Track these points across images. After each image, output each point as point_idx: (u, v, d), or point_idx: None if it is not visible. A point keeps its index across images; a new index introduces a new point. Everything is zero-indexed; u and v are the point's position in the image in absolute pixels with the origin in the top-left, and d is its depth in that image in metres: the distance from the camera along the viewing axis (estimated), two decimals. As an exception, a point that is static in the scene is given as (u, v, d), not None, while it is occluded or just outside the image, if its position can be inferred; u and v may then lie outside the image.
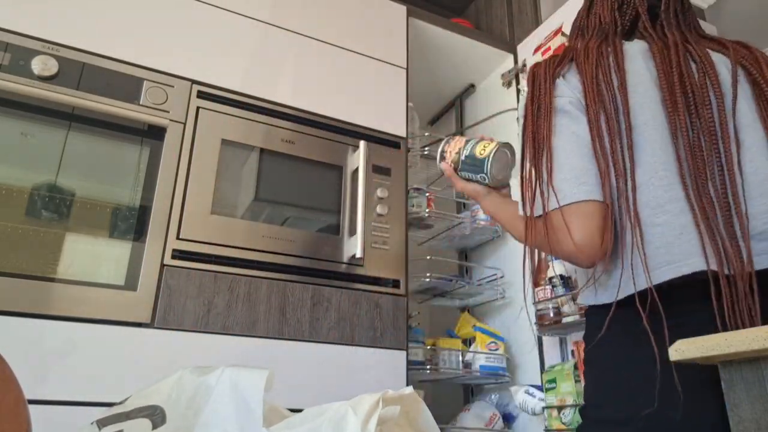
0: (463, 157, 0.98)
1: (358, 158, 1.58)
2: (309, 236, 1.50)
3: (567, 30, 1.82)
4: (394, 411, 0.50)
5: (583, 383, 1.09)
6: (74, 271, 1.21)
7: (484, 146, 0.96)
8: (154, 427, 0.53)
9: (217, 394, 0.56)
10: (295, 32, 1.69)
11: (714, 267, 0.70)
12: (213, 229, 1.38)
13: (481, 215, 1.95)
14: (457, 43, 2.12)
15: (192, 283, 1.31)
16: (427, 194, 1.93)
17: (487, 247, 2.11)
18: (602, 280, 0.78)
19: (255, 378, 0.55)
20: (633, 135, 0.77)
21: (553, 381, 1.56)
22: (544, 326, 1.65)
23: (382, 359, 1.47)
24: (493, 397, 1.89)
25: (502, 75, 2.17)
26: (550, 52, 1.81)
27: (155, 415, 0.54)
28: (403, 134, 1.75)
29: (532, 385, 1.67)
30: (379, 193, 1.62)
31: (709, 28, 2.29)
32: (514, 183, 0.89)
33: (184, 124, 1.43)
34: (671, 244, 0.72)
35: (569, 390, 1.50)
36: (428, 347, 1.77)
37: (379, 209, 1.60)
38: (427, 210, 1.89)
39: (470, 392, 2.03)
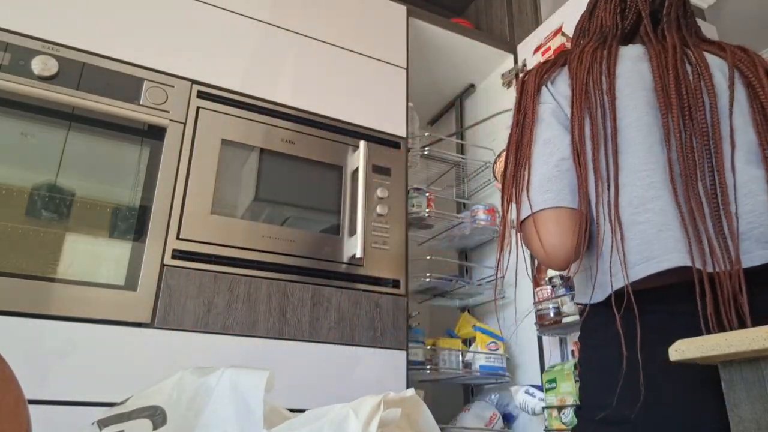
0: None
1: (358, 158, 1.59)
2: (309, 236, 1.50)
3: (567, 30, 1.82)
4: (396, 413, 0.50)
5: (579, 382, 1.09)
6: (74, 271, 1.21)
7: None
8: (155, 427, 0.53)
9: (218, 395, 0.56)
10: (295, 32, 1.69)
11: (698, 265, 0.69)
12: (213, 229, 1.38)
13: (481, 215, 1.95)
14: (457, 43, 2.12)
15: (192, 283, 1.31)
16: (427, 194, 1.93)
17: (487, 247, 2.11)
18: (598, 280, 0.77)
19: (255, 379, 0.55)
20: (618, 138, 0.78)
21: (553, 381, 1.56)
22: (544, 326, 1.65)
23: (382, 359, 1.47)
24: (493, 397, 1.90)
25: (502, 75, 2.17)
26: (550, 53, 1.81)
27: (156, 415, 0.54)
28: (403, 134, 1.75)
29: (532, 385, 1.67)
30: (379, 193, 1.62)
31: (709, 28, 2.29)
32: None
33: (184, 124, 1.43)
34: (650, 242, 0.72)
35: (569, 390, 1.50)
36: (428, 347, 1.77)
37: (379, 209, 1.60)
38: (427, 210, 1.89)
39: (470, 392, 2.03)
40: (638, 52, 0.86)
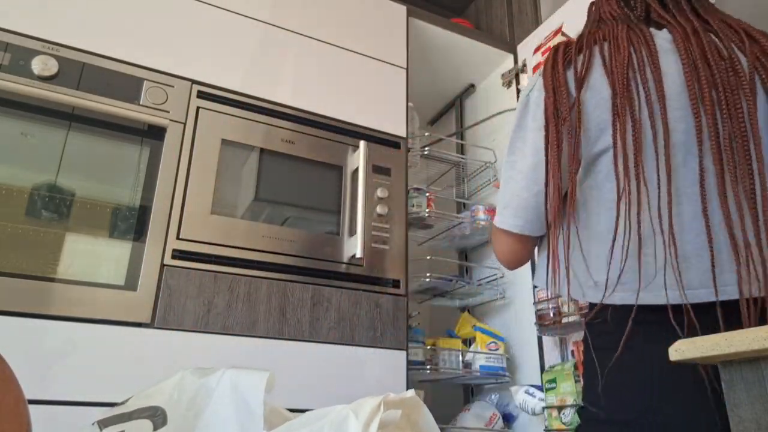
0: None
1: (358, 158, 1.59)
2: (309, 236, 1.50)
3: (567, 30, 1.82)
4: (396, 414, 0.50)
5: (582, 383, 1.10)
6: (74, 271, 1.21)
7: None
8: (155, 428, 0.53)
9: (218, 396, 0.56)
10: (295, 32, 1.69)
11: (746, 294, 0.66)
12: (213, 229, 1.38)
13: (481, 215, 1.95)
14: (457, 43, 2.12)
15: (192, 283, 1.31)
16: (427, 194, 1.92)
17: (487, 247, 2.11)
18: (623, 283, 0.74)
19: (255, 380, 0.55)
20: (670, 147, 0.72)
21: (553, 381, 1.56)
22: (544, 326, 1.65)
23: (382, 359, 1.47)
24: (493, 397, 1.90)
25: (502, 75, 2.17)
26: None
27: (156, 416, 0.54)
28: (403, 134, 1.75)
29: (532, 385, 1.67)
30: (379, 193, 1.62)
31: (709, 28, 2.28)
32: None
33: (184, 124, 1.43)
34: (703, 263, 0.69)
35: (569, 390, 1.50)
36: (428, 347, 1.77)
37: (379, 209, 1.60)
38: (427, 210, 1.89)
39: (470, 392, 2.03)
40: (668, 39, 0.79)
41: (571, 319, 1.55)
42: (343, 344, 1.44)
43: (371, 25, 1.83)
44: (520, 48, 2.17)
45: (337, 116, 1.66)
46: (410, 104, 1.84)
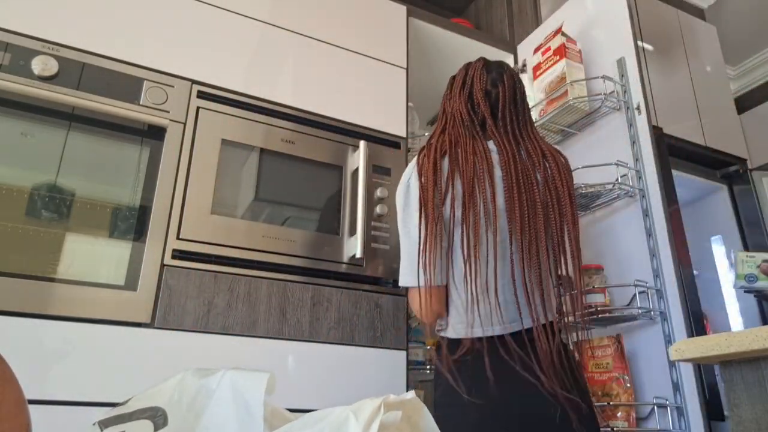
0: None
1: (358, 158, 1.59)
2: (309, 236, 1.50)
3: (567, 30, 1.82)
4: (396, 416, 0.50)
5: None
6: (74, 271, 1.21)
7: None
8: (156, 428, 0.53)
9: (218, 397, 0.56)
10: (295, 32, 1.69)
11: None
12: (213, 229, 1.38)
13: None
14: (457, 43, 2.12)
15: (192, 283, 1.31)
16: (427, 194, 1.92)
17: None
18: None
19: (256, 381, 0.55)
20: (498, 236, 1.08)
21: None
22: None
23: (382, 359, 1.47)
24: (493, 397, 1.89)
25: (502, 75, 2.17)
26: (550, 53, 1.81)
27: (157, 416, 0.54)
28: (403, 134, 1.75)
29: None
30: (379, 193, 1.62)
31: (708, 28, 2.29)
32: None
33: (184, 124, 1.43)
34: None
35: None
36: (428, 347, 1.77)
37: (379, 209, 1.60)
38: (427, 210, 1.89)
39: (470, 392, 2.03)
40: (495, 153, 1.13)
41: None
42: (343, 344, 1.44)
43: (371, 25, 1.83)
44: (520, 48, 2.17)
45: (337, 116, 1.66)
46: (410, 104, 1.84)
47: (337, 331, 1.44)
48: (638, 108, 1.62)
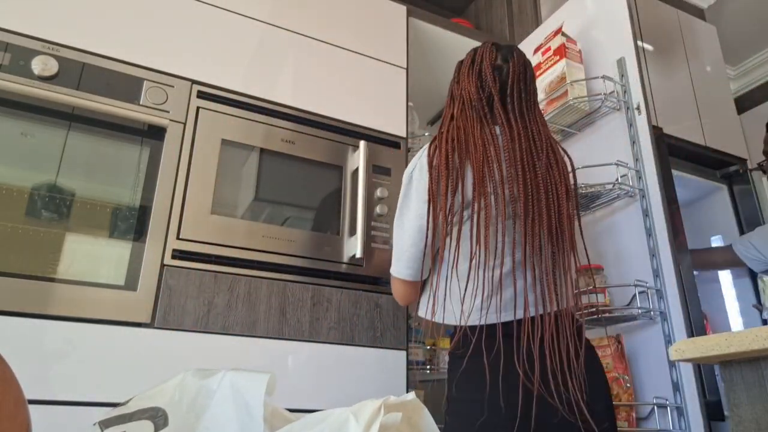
0: None
1: (358, 158, 1.59)
2: (309, 236, 1.50)
3: (567, 30, 1.82)
4: (396, 417, 0.50)
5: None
6: (74, 271, 1.21)
7: None
8: (157, 429, 0.53)
9: (219, 398, 0.56)
10: (295, 32, 1.69)
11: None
12: (213, 229, 1.38)
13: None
14: (457, 43, 2.12)
15: (192, 283, 1.31)
16: (427, 194, 1.92)
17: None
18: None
19: (256, 382, 0.55)
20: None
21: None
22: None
23: (382, 359, 1.47)
24: (493, 397, 1.89)
25: (502, 75, 2.17)
26: (550, 53, 1.81)
27: (158, 417, 0.54)
28: (403, 134, 1.75)
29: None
30: (379, 193, 1.62)
31: (709, 28, 2.29)
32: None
33: (184, 124, 1.43)
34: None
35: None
36: (428, 347, 1.77)
37: (379, 209, 1.60)
38: (427, 210, 1.89)
39: (470, 392, 2.03)
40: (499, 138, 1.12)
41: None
42: (343, 344, 1.44)
43: (371, 25, 1.83)
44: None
45: (337, 116, 1.66)
46: (410, 104, 1.84)
47: (337, 331, 1.44)
48: (638, 108, 1.62)
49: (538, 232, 1.04)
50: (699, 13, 2.53)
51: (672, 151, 1.80)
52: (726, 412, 1.38)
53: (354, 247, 1.49)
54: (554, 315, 1.03)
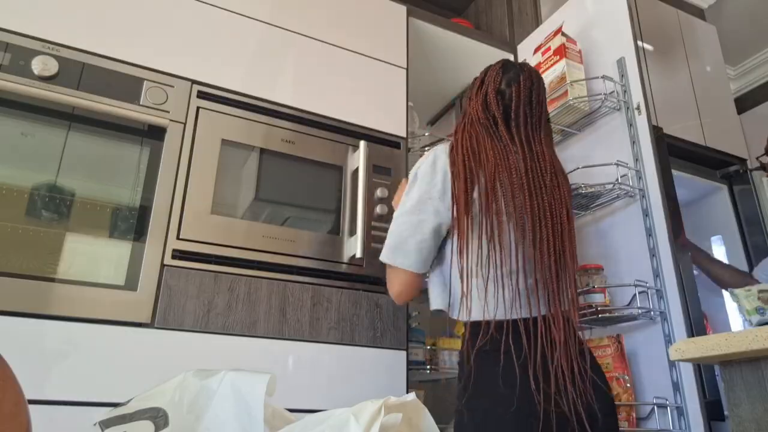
0: None
1: (358, 158, 1.59)
2: (309, 236, 1.50)
3: (567, 30, 1.82)
4: (396, 418, 0.50)
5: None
6: (74, 271, 1.21)
7: None
8: (157, 429, 0.53)
9: (219, 399, 0.56)
10: (295, 32, 1.69)
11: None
12: (213, 229, 1.38)
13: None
14: (457, 43, 2.12)
15: (192, 283, 1.31)
16: (427, 194, 1.92)
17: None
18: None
19: (256, 383, 0.55)
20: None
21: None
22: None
23: (382, 359, 1.47)
24: (493, 397, 1.89)
25: (502, 75, 2.17)
26: (550, 53, 1.81)
27: (158, 417, 0.54)
28: (403, 134, 1.75)
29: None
30: (379, 193, 1.62)
31: (708, 28, 2.29)
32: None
33: (184, 124, 1.43)
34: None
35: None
36: (428, 347, 1.77)
37: (379, 209, 1.60)
38: (427, 210, 1.89)
39: (470, 392, 2.03)
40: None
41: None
42: (343, 344, 1.44)
43: (371, 25, 1.83)
44: (520, 48, 2.17)
45: (337, 116, 1.66)
46: (410, 104, 1.84)
47: (337, 331, 1.44)
48: (638, 108, 1.62)
49: (546, 251, 1.09)
50: (699, 13, 2.53)
51: (672, 151, 1.80)
52: (726, 412, 1.38)
53: (354, 247, 1.49)
54: (563, 316, 1.06)
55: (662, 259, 1.45)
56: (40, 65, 1.29)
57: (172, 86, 1.44)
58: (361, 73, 1.75)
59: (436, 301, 1.16)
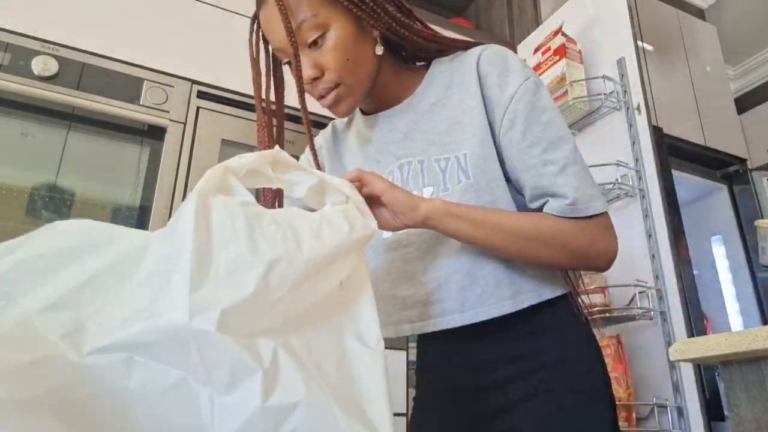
0: None
1: (358, 158, 1.58)
2: (309, 236, 1.50)
3: (567, 30, 1.82)
4: (247, 160, 0.50)
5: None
6: (74, 271, 1.21)
7: None
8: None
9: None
10: (295, 32, 1.69)
11: None
12: (213, 229, 1.38)
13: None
14: (457, 43, 2.12)
15: (192, 283, 1.31)
16: (427, 194, 1.92)
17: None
18: None
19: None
20: None
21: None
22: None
23: (382, 359, 1.47)
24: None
25: (502, 75, 2.17)
26: (550, 52, 1.81)
27: None
28: (403, 134, 1.75)
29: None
30: (379, 193, 1.62)
31: (709, 28, 2.29)
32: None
33: (184, 124, 1.43)
34: None
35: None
36: (428, 347, 1.77)
37: (379, 209, 1.60)
38: (427, 210, 1.89)
39: (470, 392, 2.03)
40: None
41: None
42: (343, 344, 1.44)
43: (371, 25, 1.83)
44: (520, 48, 2.17)
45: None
46: (410, 104, 1.84)
47: (337, 331, 1.44)
48: (638, 108, 1.62)
49: None
50: (699, 13, 2.54)
51: (672, 151, 1.80)
52: (726, 412, 1.38)
53: (354, 247, 1.49)
54: None
55: (662, 259, 1.46)
56: (40, 65, 1.29)
57: (172, 86, 1.44)
58: (361, 73, 1.75)
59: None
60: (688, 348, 0.75)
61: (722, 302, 1.91)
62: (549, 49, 1.82)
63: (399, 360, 1.49)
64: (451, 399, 0.75)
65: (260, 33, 0.83)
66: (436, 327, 0.72)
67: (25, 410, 0.33)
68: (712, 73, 2.17)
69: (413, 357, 1.72)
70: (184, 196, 1.37)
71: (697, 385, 1.33)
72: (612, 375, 1.45)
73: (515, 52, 2.17)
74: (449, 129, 0.74)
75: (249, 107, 1.54)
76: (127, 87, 1.39)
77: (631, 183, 1.57)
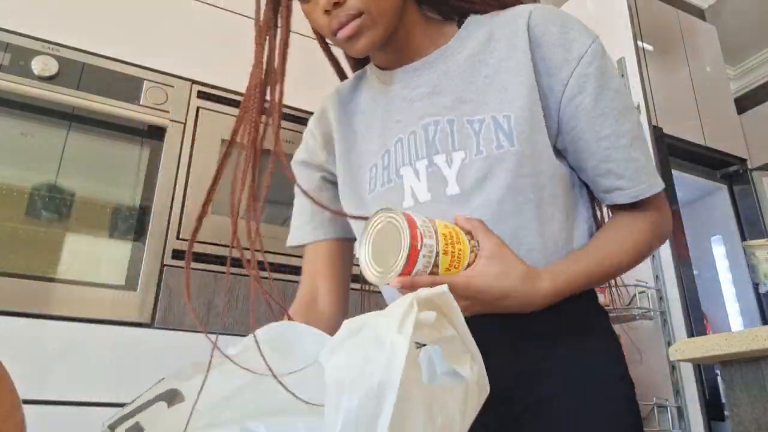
0: None
1: (358, 158, 1.58)
2: (309, 236, 1.50)
3: (567, 30, 1.82)
4: (431, 317, 0.46)
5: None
6: (74, 271, 1.21)
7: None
8: (171, 405, 0.51)
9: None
10: (294, 32, 1.68)
11: None
12: (213, 229, 1.38)
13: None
14: (457, 43, 2.12)
15: (192, 283, 1.31)
16: (427, 194, 1.92)
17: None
18: None
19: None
20: None
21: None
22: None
23: (382, 359, 1.47)
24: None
25: (502, 75, 2.17)
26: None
27: (175, 398, 0.52)
28: (403, 134, 1.75)
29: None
30: (379, 193, 1.62)
31: (709, 28, 2.29)
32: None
33: (184, 124, 1.43)
34: None
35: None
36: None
37: (379, 209, 1.60)
38: (427, 210, 1.89)
39: (470, 392, 2.03)
40: None
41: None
42: (343, 344, 1.44)
43: (371, 25, 1.83)
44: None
45: (337, 116, 1.66)
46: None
47: (337, 331, 1.44)
48: (638, 108, 1.62)
49: None
50: (699, 13, 2.54)
51: (672, 151, 1.80)
52: (726, 412, 1.38)
53: (355, 248, 1.49)
54: None
55: (662, 259, 1.46)
56: (40, 65, 1.29)
57: (172, 86, 1.44)
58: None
59: None
60: (688, 348, 0.75)
61: (722, 302, 1.91)
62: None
63: (399, 360, 1.49)
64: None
65: None
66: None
67: None
68: (712, 73, 2.17)
69: (413, 357, 1.72)
70: (183, 196, 1.37)
71: (697, 385, 1.33)
72: (612, 375, 1.45)
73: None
74: (488, 87, 0.65)
75: (249, 107, 1.54)
76: (127, 87, 1.39)
77: (631, 183, 1.57)
